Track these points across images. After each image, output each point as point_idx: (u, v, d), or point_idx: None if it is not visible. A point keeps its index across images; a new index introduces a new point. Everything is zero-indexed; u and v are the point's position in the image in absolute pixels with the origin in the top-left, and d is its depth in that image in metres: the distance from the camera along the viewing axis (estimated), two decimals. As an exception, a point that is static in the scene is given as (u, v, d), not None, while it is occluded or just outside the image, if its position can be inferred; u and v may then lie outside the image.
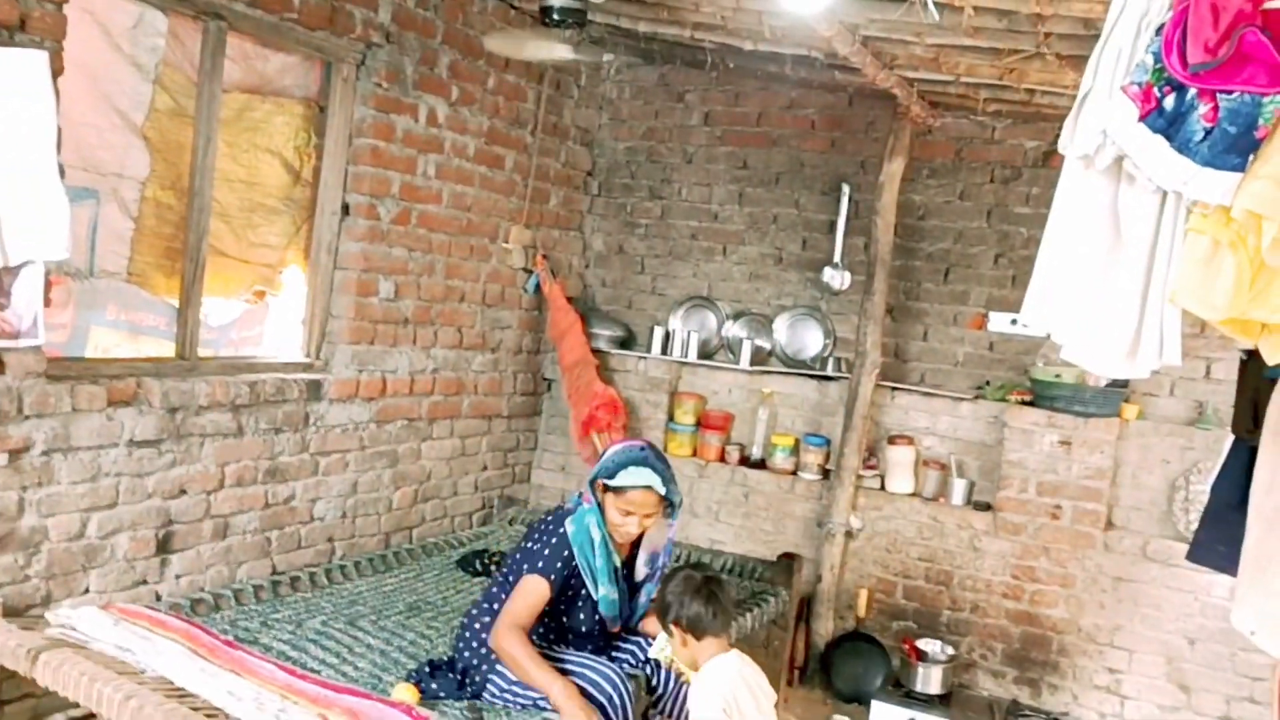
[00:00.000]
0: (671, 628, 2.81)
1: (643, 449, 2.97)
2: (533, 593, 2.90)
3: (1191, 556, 3.32)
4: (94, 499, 3.32)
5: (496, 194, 4.98)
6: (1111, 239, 2.23)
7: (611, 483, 2.91)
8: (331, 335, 4.25)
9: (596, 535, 2.98)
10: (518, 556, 3.07)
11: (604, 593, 3.00)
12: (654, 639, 3.11)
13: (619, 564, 3.08)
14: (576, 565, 2.96)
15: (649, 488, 2.90)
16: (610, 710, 2.95)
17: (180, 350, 3.70)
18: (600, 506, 2.99)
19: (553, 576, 2.90)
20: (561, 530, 2.93)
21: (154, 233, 3.61)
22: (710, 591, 2.82)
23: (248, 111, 3.87)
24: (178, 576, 3.65)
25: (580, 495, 3.03)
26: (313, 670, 3.01)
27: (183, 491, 3.62)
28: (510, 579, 3.08)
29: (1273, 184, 1.88)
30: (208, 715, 2.54)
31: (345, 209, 4.20)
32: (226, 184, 3.82)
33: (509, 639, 2.85)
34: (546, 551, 2.92)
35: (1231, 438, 3.02)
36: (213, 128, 3.65)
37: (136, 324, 3.66)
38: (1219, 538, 2.96)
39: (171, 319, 3.70)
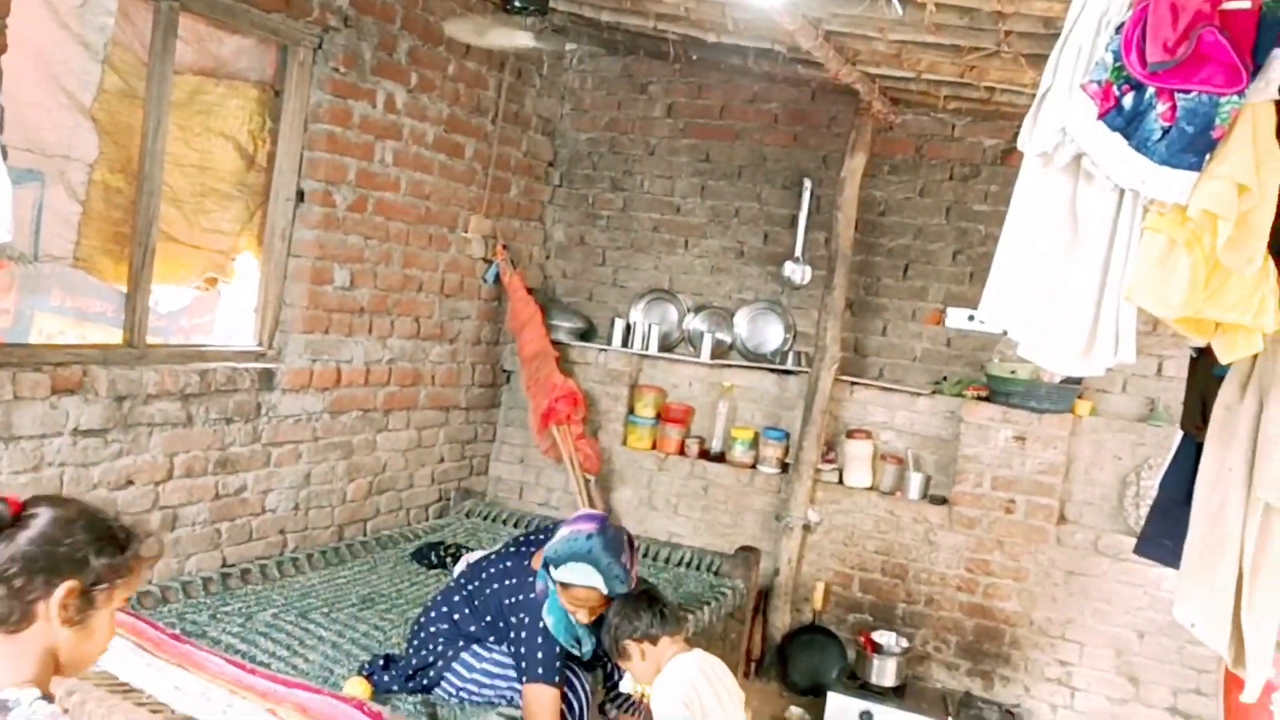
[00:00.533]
0: (628, 647, 2.75)
1: (590, 537, 2.76)
2: (550, 705, 2.82)
3: (1139, 550, 3.36)
4: (36, 489, 3.23)
5: (456, 182, 4.93)
6: (1069, 237, 2.25)
7: (555, 574, 2.79)
8: (285, 324, 4.18)
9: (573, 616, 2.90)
10: (502, 633, 2.94)
11: (587, 647, 2.95)
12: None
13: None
14: (564, 648, 2.89)
15: (593, 588, 2.77)
16: (567, 707, 2.93)
17: (128, 338, 3.61)
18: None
19: (557, 679, 2.84)
20: (542, 625, 2.83)
21: (102, 217, 3.52)
22: (648, 597, 2.80)
23: (200, 94, 3.78)
24: (124, 569, 3.57)
25: (547, 570, 2.86)
26: (262, 663, 2.96)
27: (130, 482, 3.54)
28: (485, 624, 2.97)
29: (1228, 184, 1.90)
30: (152, 711, 2.48)
31: (300, 195, 4.13)
32: (178, 168, 3.73)
33: None
34: (540, 655, 2.82)
35: (1180, 434, 3.06)
36: (164, 110, 3.56)
37: (83, 310, 3.56)
38: (1165, 532, 3.00)
39: (119, 305, 3.61)
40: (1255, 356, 2.22)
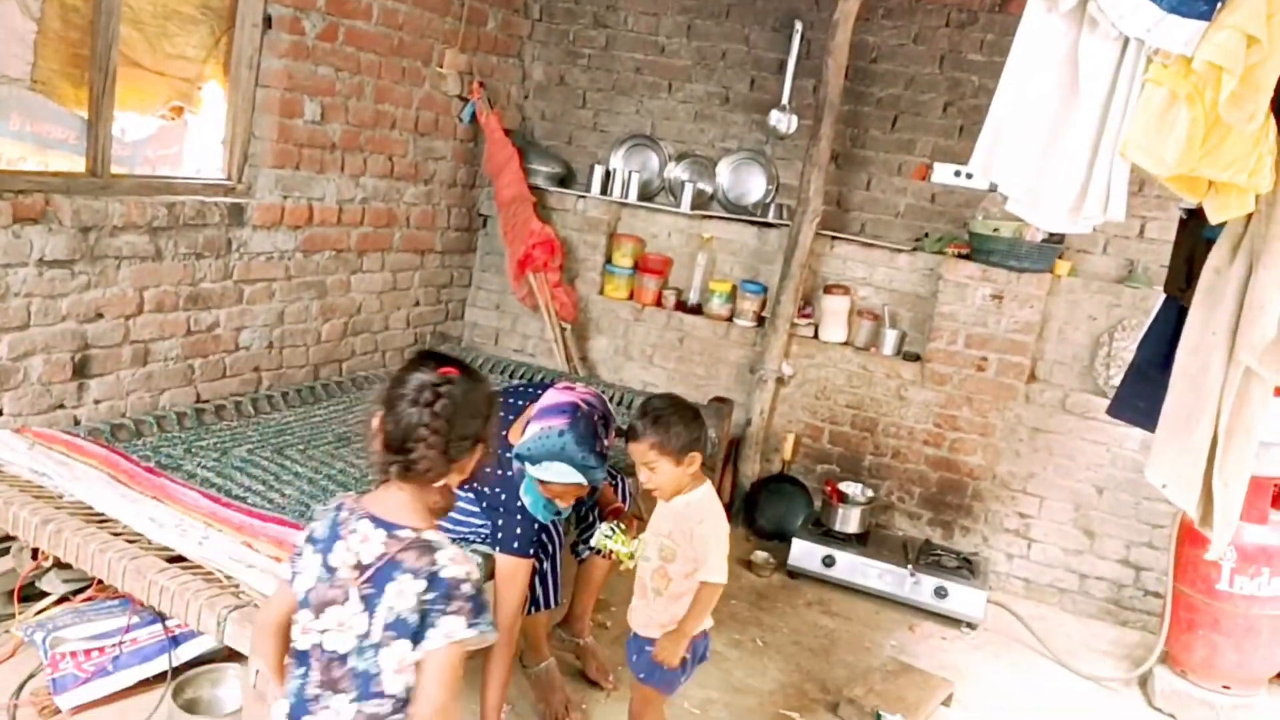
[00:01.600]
0: (688, 453, 2.68)
1: (561, 433, 2.69)
2: (522, 574, 2.86)
3: (1111, 411, 3.41)
4: (3, 319, 3.18)
5: (430, 12, 4.70)
6: (1068, 88, 2.18)
7: (532, 471, 2.76)
8: (254, 158, 4.04)
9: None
10: (477, 490, 2.95)
11: (566, 513, 2.97)
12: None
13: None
14: (541, 523, 2.91)
15: (571, 483, 2.75)
16: (540, 557, 2.99)
17: (91, 167, 3.49)
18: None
19: (531, 550, 2.87)
20: (519, 504, 2.83)
21: (59, 37, 3.34)
22: (699, 412, 2.79)
23: (158, -95, 3.55)
24: (97, 401, 3.56)
25: (522, 462, 2.82)
26: (238, 498, 2.98)
27: (99, 315, 3.49)
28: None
29: (1237, 35, 1.83)
30: (129, 540, 2.51)
31: (268, 21, 3.93)
32: (137, -14, 3.53)
33: (504, 652, 2.83)
34: (517, 531, 2.83)
35: (1162, 296, 3.06)
36: (118, -79, 3.34)
37: (43, 136, 3.42)
38: (1139, 394, 3.04)
39: (81, 133, 3.47)
40: (1248, 220, 2.19)
